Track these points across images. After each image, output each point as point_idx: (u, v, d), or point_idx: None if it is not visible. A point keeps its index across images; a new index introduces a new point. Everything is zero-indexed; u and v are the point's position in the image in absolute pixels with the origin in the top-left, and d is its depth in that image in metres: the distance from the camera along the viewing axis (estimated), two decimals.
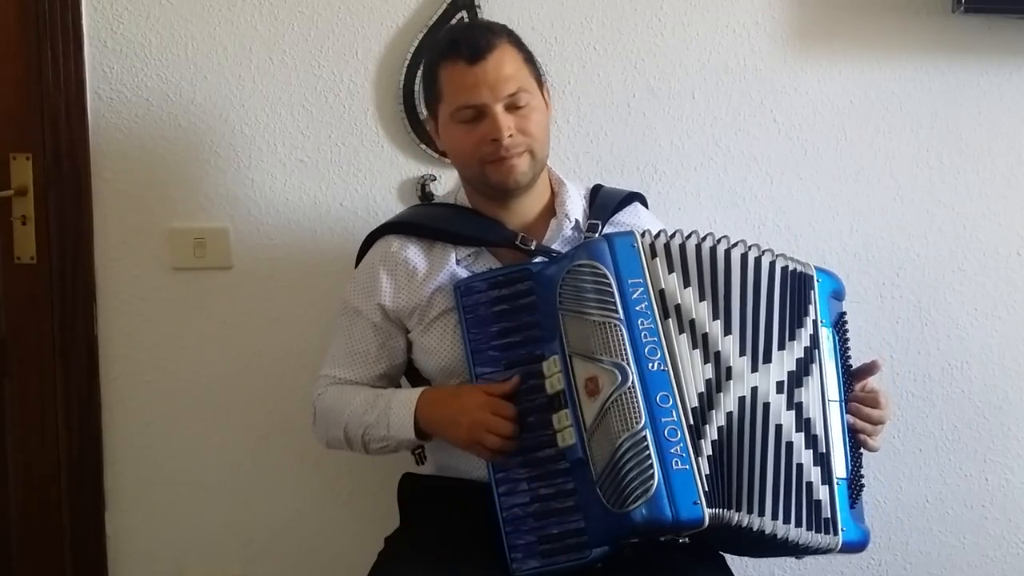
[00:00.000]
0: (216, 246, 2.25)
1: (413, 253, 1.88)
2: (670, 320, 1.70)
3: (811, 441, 1.72)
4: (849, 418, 1.79)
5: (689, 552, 1.71)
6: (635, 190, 2.05)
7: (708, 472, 1.64)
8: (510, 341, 1.76)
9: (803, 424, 1.72)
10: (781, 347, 1.74)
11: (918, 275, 2.33)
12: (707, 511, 1.62)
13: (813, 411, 1.73)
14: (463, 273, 1.85)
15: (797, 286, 1.79)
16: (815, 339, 1.77)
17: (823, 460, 1.72)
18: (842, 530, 1.70)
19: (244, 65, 2.21)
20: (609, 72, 2.24)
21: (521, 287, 1.76)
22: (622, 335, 1.67)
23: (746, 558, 2.28)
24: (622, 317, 1.68)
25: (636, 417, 1.63)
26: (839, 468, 1.74)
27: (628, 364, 1.65)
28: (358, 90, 2.23)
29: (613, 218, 1.93)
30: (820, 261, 2.27)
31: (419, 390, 1.85)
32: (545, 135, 1.86)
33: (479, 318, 1.78)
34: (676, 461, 1.62)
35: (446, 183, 2.24)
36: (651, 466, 1.61)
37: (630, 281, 1.70)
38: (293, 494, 2.32)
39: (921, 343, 2.34)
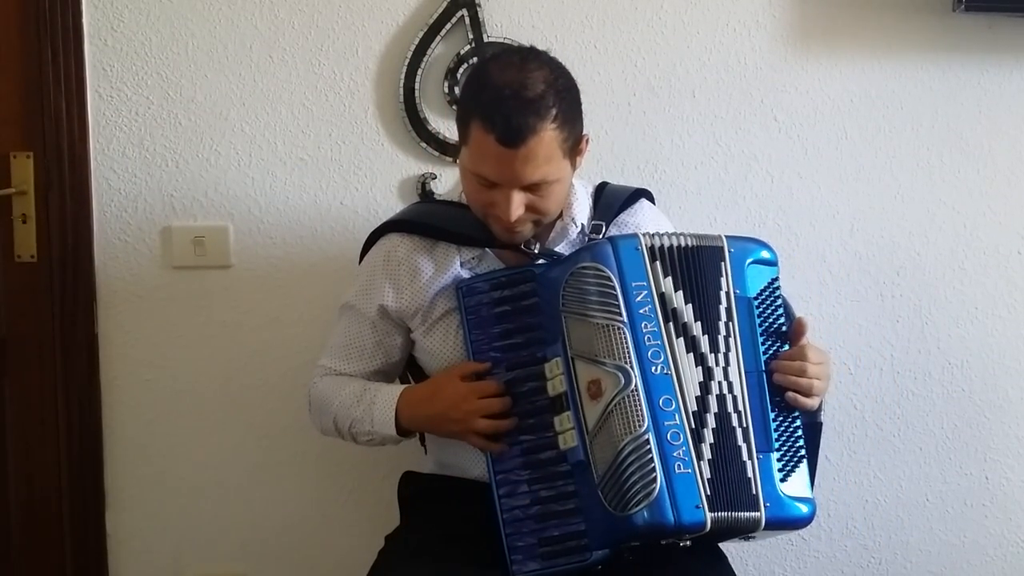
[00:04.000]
0: (216, 245, 2.25)
1: (416, 253, 1.87)
2: (670, 324, 1.70)
3: (740, 418, 1.69)
4: (778, 377, 1.73)
5: (690, 549, 1.70)
6: (640, 187, 2.03)
7: (710, 476, 1.64)
8: (512, 342, 1.75)
9: (734, 402, 1.70)
10: (719, 331, 1.72)
11: (918, 274, 2.33)
12: (709, 515, 1.61)
13: (737, 388, 1.71)
14: (467, 275, 1.84)
15: (713, 261, 1.75)
16: (729, 311, 1.73)
17: (746, 435, 1.69)
18: (765, 505, 1.66)
19: (244, 63, 2.21)
20: (609, 71, 2.24)
21: (524, 288, 1.76)
22: (625, 338, 1.66)
23: (747, 556, 2.29)
24: (626, 320, 1.67)
25: (639, 420, 1.63)
26: (758, 442, 1.68)
27: (631, 367, 1.65)
28: (358, 88, 2.23)
29: (617, 218, 1.92)
30: (820, 260, 2.29)
31: (401, 388, 1.84)
32: (559, 204, 1.81)
33: (481, 319, 1.77)
34: (678, 465, 1.62)
35: (446, 181, 2.24)
36: (653, 469, 1.61)
37: (634, 284, 1.69)
38: (293, 492, 2.32)
39: (921, 342, 2.34)
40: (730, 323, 1.73)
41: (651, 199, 2.04)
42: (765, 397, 1.72)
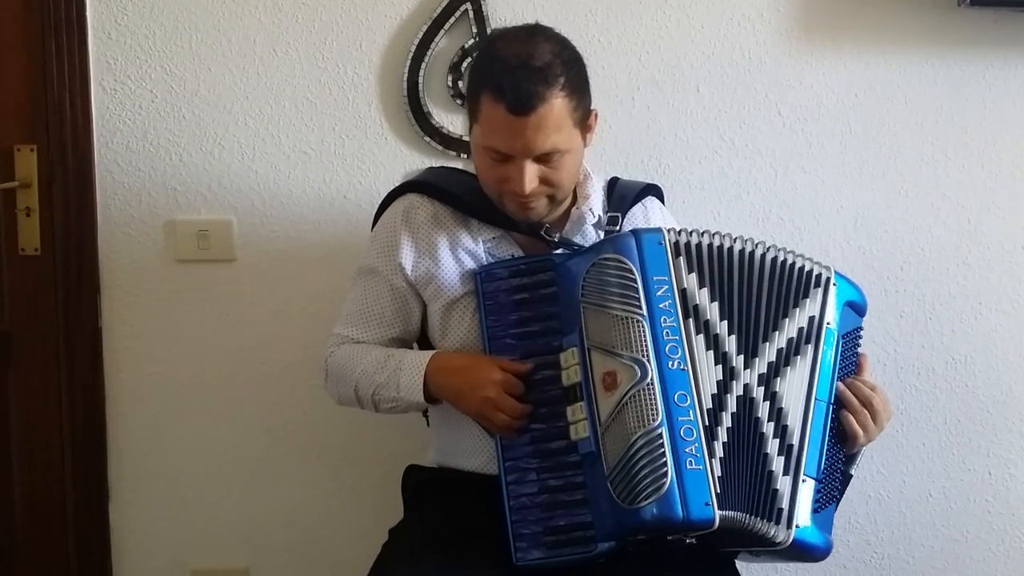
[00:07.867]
0: (220, 238, 2.25)
1: (436, 221, 1.86)
2: (690, 320, 1.70)
3: (780, 431, 1.69)
4: (843, 390, 1.75)
5: (694, 549, 1.69)
6: (651, 182, 2.04)
7: (720, 474, 1.63)
8: (528, 330, 1.76)
9: (775, 413, 1.70)
10: (766, 339, 1.72)
11: (922, 269, 2.32)
12: (718, 513, 1.61)
13: (787, 401, 1.70)
14: (482, 253, 1.85)
15: (802, 281, 1.76)
16: (808, 334, 1.73)
17: (789, 452, 1.68)
18: (796, 526, 1.65)
19: (248, 57, 2.21)
20: (613, 65, 2.24)
21: (543, 277, 1.76)
22: (644, 331, 1.66)
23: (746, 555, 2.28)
24: (645, 313, 1.67)
25: (653, 414, 1.62)
26: (808, 466, 1.69)
27: (648, 360, 1.65)
28: (362, 82, 2.23)
29: (629, 211, 1.92)
30: (824, 255, 2.27)
31: (430, 353, 1.83)
32: (572, 178, 1.82)
33: (498, 305, 1.78)
34: (690, 461, 1.62)
35: None
36: (664, 464, 1.60)
37: (655, 278, 1.70)
38: (297, 486, 2.32)
39: (925, 337, 2.34)
40: (808, 345, 1.73)
41: (660, 196, 2.05)
42: (827, 429, 1.73)
